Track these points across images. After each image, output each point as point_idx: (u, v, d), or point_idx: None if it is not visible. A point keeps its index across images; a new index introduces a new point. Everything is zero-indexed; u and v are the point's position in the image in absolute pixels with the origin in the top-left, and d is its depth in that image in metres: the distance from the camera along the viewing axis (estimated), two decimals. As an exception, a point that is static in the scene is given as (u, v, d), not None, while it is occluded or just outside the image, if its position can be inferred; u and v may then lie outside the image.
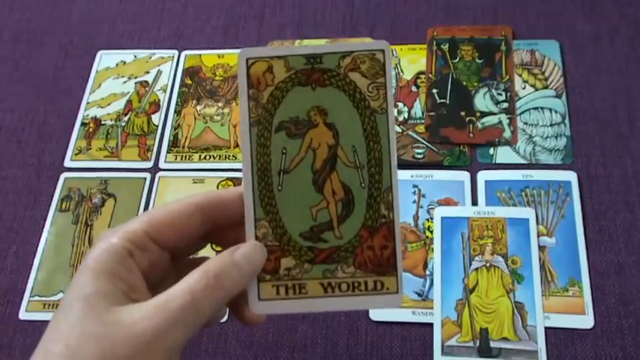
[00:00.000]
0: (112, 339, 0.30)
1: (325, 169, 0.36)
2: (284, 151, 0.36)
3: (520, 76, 0.69)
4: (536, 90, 0.68)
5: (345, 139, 0.36)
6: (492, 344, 0.55)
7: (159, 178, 0.67)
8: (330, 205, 0.36)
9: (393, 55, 0.71)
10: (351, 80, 0.35)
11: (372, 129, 0.35)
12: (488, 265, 0.58)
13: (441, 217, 0.61)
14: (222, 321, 0.57)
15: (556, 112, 0.66)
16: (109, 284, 0.32)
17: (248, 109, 0.36)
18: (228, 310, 0.47)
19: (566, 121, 0.66)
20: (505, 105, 0.67)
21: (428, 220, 0.61)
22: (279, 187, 0.35)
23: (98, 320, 0.30)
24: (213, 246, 0.42)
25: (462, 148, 0.65)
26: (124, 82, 0.74)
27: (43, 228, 0.65)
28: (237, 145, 0.68)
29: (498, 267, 0.58)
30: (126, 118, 0.71)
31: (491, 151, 0.65)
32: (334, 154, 0.36)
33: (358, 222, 0.36)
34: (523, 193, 0.62)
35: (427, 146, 0.65)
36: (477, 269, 0.58)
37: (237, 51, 0.73)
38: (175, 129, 0.70)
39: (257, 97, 0.36)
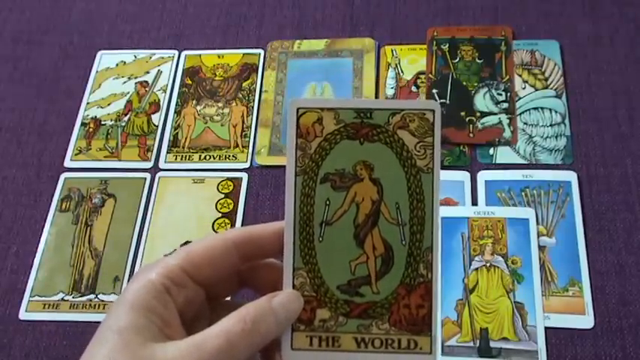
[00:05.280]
0: None
1: (367, 223, 0.35)
2: (327, 202, 0.35)
3: (520, 76, 0.69)
4: (536, 90, 0.68)
5: (389, 195, 0.35)
6: (492, 344, 0.55)
7: (159, 178, 0.67)
8: (369, 260, 0.35)
9: (393, 55, 0.71)
10: (400, 138, 0.35)
11: (417, 187, 0.35)
12: (488, 265, 0.58)
13: (441, 217, 0.61)
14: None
15: (556, 112, 0.66)
16: (144, 319, 0.32)
17: (295, 159, 0.36)
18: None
19: (566, 121, 0.66)
20: (505, 105, 0.67)
21: (428, 220, 0.61)
22: (320, 239, 0.35)
23: (131, 355, 0.30)
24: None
25: (462, 148, 0.65)
26: (124, 82, 0.74)
27: (43, 228, 0.65)
28: (236, 145, 0.68)
29: (498, 267, 0.58)
30: (126, 118, 0.71)
31: (491, 151, 0.65)
32: (377, 209, 0.35)
33: (396, 279, 0.35)
34: (523, 193, 0.62)
35: (427, 146, 0.65)
36: (476, 269, 0.58)
37: (238, 51, 0.74)
38: (175, 129, 0.70)
39: (305, 147, 0.36)
